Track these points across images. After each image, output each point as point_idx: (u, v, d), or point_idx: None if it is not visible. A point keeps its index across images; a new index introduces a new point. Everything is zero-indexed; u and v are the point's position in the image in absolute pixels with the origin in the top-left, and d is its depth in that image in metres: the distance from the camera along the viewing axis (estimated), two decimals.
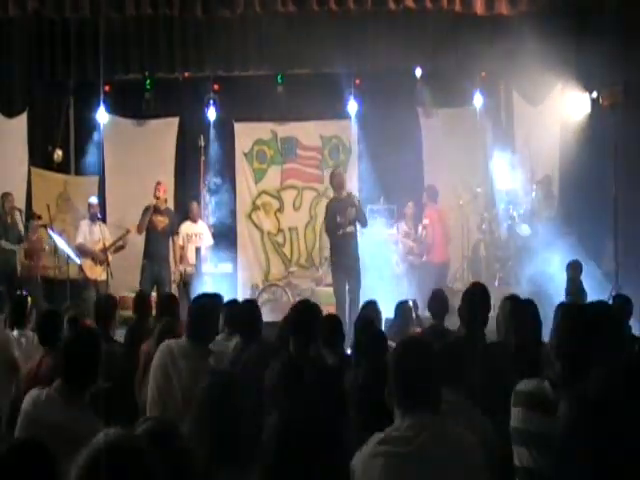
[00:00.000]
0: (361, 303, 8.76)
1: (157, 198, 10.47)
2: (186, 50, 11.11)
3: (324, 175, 12.34)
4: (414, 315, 7.10)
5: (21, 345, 5.55)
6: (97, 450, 1.85)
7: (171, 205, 11.78)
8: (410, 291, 10.42)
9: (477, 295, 4.88)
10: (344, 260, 9.49)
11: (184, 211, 11.44)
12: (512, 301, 4.69)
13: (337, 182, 9.75)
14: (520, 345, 4.42)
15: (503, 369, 4.11)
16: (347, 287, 9.43)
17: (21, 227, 10.12)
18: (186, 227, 11.06)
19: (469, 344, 4.26)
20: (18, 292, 7.36)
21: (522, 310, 4.59)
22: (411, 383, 2.65)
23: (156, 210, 10.44)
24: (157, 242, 10.46)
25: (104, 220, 11.13)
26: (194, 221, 11.10)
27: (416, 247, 11.07)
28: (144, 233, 10.45)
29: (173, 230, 10.68)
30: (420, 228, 11.08)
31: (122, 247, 10.63)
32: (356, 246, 9.58)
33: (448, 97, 11.73)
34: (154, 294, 10.23)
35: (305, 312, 4.75)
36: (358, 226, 9.52)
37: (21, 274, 10.06)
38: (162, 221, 10.46)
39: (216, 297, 5.72)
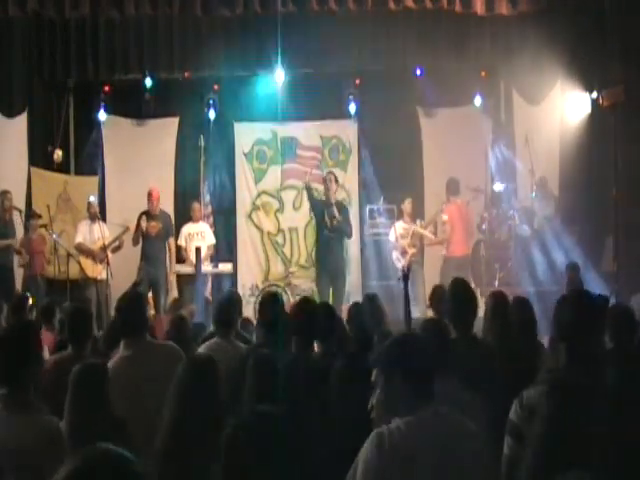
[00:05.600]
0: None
1: (149, 205, 10.56)
2: (186, 50, 11.10)
3: (324, 175, 12.35)
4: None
5: None
6: (81, 465, 1.80)
7: (171, 205, 11.79)
8: (411, 288, 10.46)
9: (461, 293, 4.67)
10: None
11: (184, 211, 11.45)
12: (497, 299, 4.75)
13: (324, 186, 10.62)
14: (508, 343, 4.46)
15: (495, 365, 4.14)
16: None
17: (18, 226, 10.13)
18: (188, 227, 11.10)
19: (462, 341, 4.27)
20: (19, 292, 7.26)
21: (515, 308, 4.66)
22: (418, 379, 2.66)
23: (149, 216, 10.49)
24: (152, 246, 10.56)
25: (104, 220, 11.14)
26: (195, 221, 11.13)
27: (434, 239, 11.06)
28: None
29: (169, 233, 10.74)
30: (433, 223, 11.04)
31: (119, 247, 10.66)
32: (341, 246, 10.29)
33: (448, 97, 11.70)
34: (150, 295, 10.34)
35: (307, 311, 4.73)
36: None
37: (23, 274, 10.13)
38: (155, 226, 10.52)
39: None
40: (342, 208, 10.61)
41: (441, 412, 2.67)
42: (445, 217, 10.94)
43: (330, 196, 10.45)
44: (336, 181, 10.62)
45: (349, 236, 10.77)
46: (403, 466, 2.54)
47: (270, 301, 4.97)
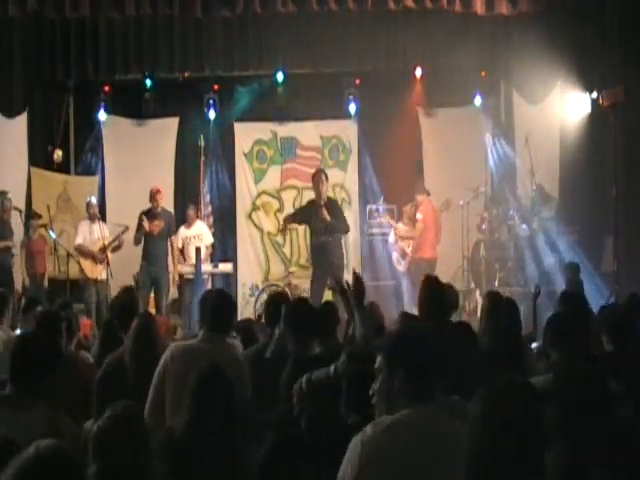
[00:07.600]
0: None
1: (154, 204, 10.49)
2: (186, 50, 11.11)
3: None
4: None
5: None
6: (27, 460, 1.86)
7: (171, 206, 11.76)
8: (411, 289, 10.47)
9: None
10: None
11: (183, 212, 11.44)
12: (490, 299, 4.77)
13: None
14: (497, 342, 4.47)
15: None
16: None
17: (15, 225, 10.11)
18: (183, 231, 11.06)
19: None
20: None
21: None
22: (419, 372, 2.63)
23: (151, 215, 10.43)
24: (154, 245, 10.45)
25: (104, 220, 11.13)
26: (189, 226, 11.09)
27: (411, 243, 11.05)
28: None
29: (170, 232, 10.70)
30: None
31: (119, 247, 10.62)
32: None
33: (448, 97, 11.71)
34: (152, 295, 10.33)
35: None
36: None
37: (23, 274, 10.12)
38: (157, 225, 10.43)
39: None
40: (332, 204, 10.08)
41: (438, 410, 2.64)
42: (420, 216, 10.81)
43: (321, 195, 9.87)
44: (326, 179, 10.05)
45: (345, 232, 10.27)
46: (391, 462, 2.52)
47: (279, 301, 4.98)
